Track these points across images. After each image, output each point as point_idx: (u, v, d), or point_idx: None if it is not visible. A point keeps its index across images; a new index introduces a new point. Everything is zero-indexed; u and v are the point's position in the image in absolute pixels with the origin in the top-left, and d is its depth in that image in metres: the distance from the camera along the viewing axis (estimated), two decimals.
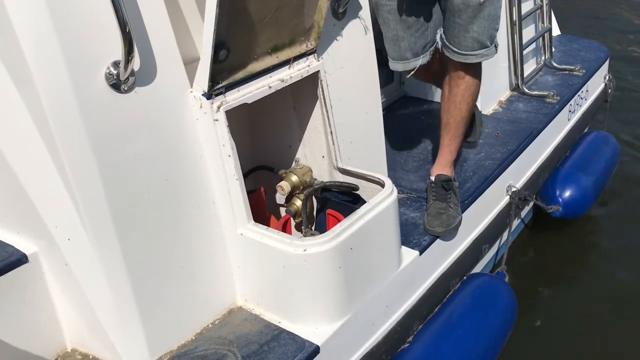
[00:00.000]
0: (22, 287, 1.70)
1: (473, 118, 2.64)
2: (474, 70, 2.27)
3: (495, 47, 2.23)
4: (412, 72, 2.37)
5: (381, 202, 1.94)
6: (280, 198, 2.24)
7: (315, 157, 2.18)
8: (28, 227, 1.70)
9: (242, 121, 2.14)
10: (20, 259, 1.68)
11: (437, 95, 3.33)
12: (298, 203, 2.16)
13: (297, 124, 2.16)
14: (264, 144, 2.26)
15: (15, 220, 1.72)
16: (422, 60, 2.30)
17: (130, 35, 1.48)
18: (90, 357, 1.80)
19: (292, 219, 2.17)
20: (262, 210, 2.16)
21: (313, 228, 2.17)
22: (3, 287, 1.66)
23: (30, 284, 1.72)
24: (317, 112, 2.09)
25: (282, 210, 2.26)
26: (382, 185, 2.03)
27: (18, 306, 1.71)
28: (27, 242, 1.72)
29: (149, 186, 1.67)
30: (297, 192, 2.16)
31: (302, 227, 2.13)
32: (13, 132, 1.58)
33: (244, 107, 1.82)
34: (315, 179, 2.17)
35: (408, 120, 3.17)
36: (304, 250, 1.76)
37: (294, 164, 2.20)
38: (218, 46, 1.64)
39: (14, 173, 1.62)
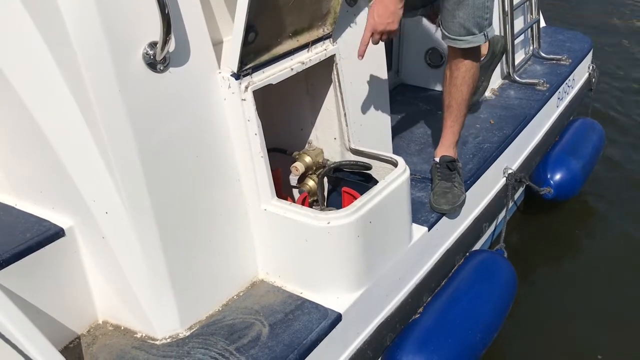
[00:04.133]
0: (58, 260, 1.77)
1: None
2: (472, 55, 2.39)
3: (485, 35, 2.33)
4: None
5: (396, 179, 2.04)
6: (292, 179, 2.33)
7: (327, 139, 2.28)
8: (64, 203, 1.77)
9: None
10: (57, 233, 1.75)
11: (432, 83, 3.46)
12: (311, 183, 2.26)
13: (310, 107, 2.25)
14: (276, 128, 2.34)
15: (51, 196, 1.79)
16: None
17: (169, 17, 1.57)
18: (122, 328, 1.88)
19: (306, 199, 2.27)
20: (279, 190, 2.24)
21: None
22: (40, 261, 1.73)
23: (66, 258, 1.79)
24: (330, 95, 2.19)
25: (294, 192, 2.35)
26: (394, 164, 2.13)
27: (54, 279, 1.77)
28: (62, 217, 1.78)
29: (181, 163, 1.75)
30: (310, 172, 2.26)
31: (316, 205, 2.23)
32: (54, 111, 1.65)
33: (257, 91, 1.90)
34: (328, 160, 2.26)
35: (406, 106, 3.29)
36: (328, 223, 1.86)
37: (307, 145, 2.30)
38: (248, 29, 1.73)
39: (54, 151, 1.69)
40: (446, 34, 2.36)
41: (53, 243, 1.74)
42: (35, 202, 1.82)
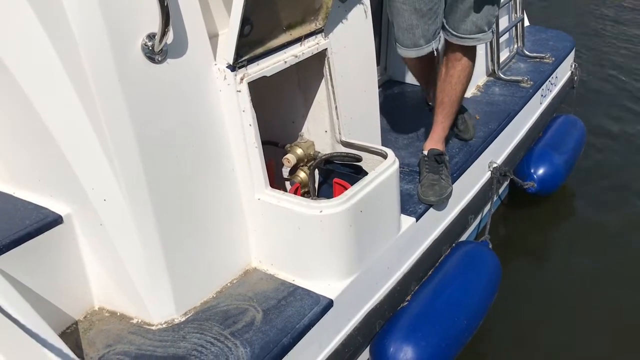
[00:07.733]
0: (56, 247, 1.81)
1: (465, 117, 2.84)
2: (470, 54, 2.45)
3: (493, 32, 2.40)
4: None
5: (386, 170, 2.10)
6: (284, 171, 2.38)
7: (318, 131, 2.33)
8: (63, 191, 1.80)
9: None
10: (56, 220, 1.78)
11: None
12: (302, 175, 2.31)
13: (302, 100, 2.31)
14: (268, 121, 2.38)
15: (49, 184, 1.82)
16: (434, 45, 2.44)
17: (168, 10, 1.61)
18: (118, 313, 1.91)
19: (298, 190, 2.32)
20: (272, 181, 2.29)
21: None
22: (39, 247, 1.76)
23: (64, 245, 1.82)
24: (322, 89, 2.24)
25: (286, 184, 2.39)
26: (384, 156, 2.19)
27: (51, 265, 1.81)
28: (60, 204, 1.82)
29: (178, 152, 1.80)
30: (302, 164, 2.31)
31: (307, 196, 2.28)
32: (55, 100, 1.69)
33: (250, 84, 1.93)
34: (319, 152, 2.32)
35: (394, 102, 3.35)
36: (320, 212, 1.91)
37: (298, 138, 2.35)
38: (244, 22, 1.78)
39: (53, 139, 1.72)
40: (455, 33, 2.39)
41: (51, 230, 1.77)
42: (34, 190, 1.86)
